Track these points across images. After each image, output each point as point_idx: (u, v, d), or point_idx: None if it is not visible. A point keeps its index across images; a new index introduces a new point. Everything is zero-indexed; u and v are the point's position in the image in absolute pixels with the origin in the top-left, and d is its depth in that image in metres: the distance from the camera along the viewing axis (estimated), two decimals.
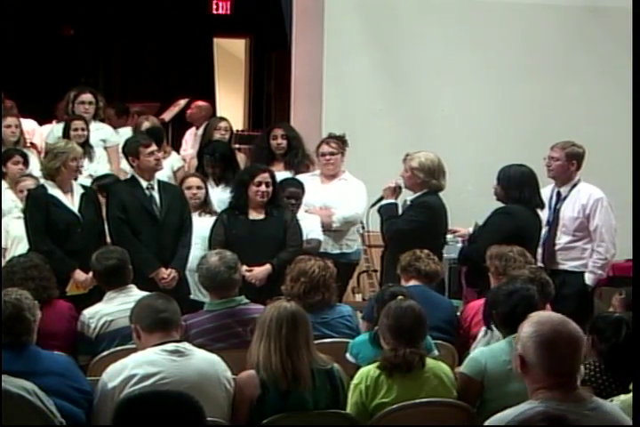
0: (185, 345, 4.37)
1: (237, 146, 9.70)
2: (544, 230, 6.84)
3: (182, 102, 11.50)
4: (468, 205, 7.74)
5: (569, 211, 6.96)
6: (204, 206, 7.12)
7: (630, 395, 3.90)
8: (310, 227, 6.95)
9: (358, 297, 7.64)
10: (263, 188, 6.63)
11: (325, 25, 8.77)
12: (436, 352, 5.09)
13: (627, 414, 3.60)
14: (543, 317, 3.27)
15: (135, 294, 5.49)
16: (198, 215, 6.97)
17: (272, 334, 4.36)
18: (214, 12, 14.91)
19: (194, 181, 7.18)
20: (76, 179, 6.78)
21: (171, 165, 8.13)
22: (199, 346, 4.53)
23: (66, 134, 7.91)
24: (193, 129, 9.86)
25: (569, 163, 6.97)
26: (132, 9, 14.27)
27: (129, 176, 6.88)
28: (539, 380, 3.18)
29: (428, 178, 6.67)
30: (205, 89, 14.59)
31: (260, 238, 6.54)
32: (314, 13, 8.82)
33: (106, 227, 6.60)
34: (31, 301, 4.38)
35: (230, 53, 15.81)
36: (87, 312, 5.52)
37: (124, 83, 14.56)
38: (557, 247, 6.98)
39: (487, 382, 4.55)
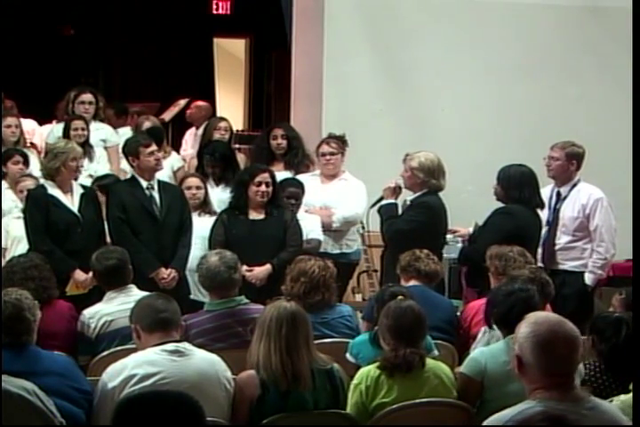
0: (185, 345, 4.37)
1: (237, 146, 9.71)
2: (544, 230, 6.84)
3: (182, 102, 11.50)
4: (468, 205, 7.74)
5: (569, 211, 6.96)
6: (204, 206, 7.12)
7: (630, 395, 3.90)
8: (310, 227, 6.95)
9: (358, 297, 7.64)
10: (263, 188, 6.63)
11: (325, 25, 8.77)
12: (435, 352, 5.09)
13: (627, 414, 3.61)
14: (540, 317, 3.27)
15: (135, 294, 5.48)
16: (198, 215, 6.97)
17: (272, 333, 4.36)
18: (214, 12, 14.91)
19: (193, 181, 7.18)
20: (76, 179, 6.79)
21: (171, 165, 8.13)
22: (199, 346, 4.53)
23: (66, 134, 7.92)
24: (193, 129, 9.86)
25: (569, 163, 6.97)
26: (131, 9, 14.27)
27: (129, 176, 6.88)
28: (536, 380, 3.18)
29: (428, 178, 6.67)
30: (205, 89, 14.59)
31: (260, 238, 6.54)
32: (314, 13, 8.82)
33: (106, 227, 6.61)
34: (31, 301, 4.38)
35: (230, 53, 15.82)
36: (87, 312, 5.52)
37: (124, 83, 14.56)
38: (557, 247, 6.98)
39: (487, 382, 4.55)
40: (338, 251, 7.29)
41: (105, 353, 5.19)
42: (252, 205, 6.66)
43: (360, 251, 7.53)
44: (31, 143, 8.57)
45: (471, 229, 7.00)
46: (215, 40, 15.33)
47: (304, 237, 6.75)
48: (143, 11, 14.34)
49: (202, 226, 6.74)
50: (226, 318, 5.36)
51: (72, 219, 6.45)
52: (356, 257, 7.49)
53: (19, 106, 9.37)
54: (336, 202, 7.36)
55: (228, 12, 14.94)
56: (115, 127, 8.86)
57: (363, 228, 7.49)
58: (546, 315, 3.36)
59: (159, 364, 4.24)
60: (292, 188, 7.09)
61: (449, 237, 7.10)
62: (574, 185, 7.01)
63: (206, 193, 7.17)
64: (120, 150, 7.25)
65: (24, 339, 4.26)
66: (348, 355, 5.09)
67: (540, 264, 6.56)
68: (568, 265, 6.96)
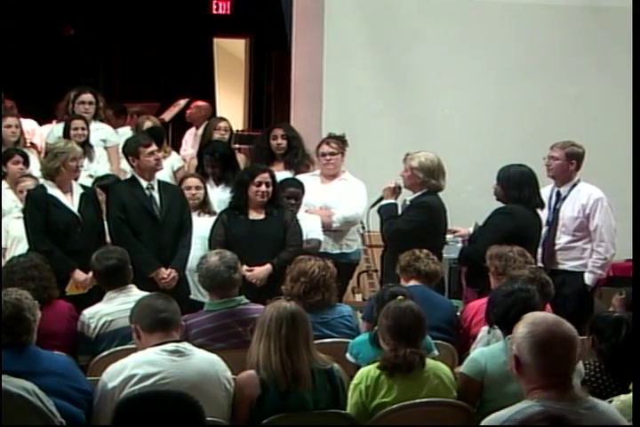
0: (185, 345, 4.37)
1: (237, 146, 9.71)
2: (544, 230, 6.84)
3: (182, 102, 11.50)
4: (468, 205, 7.74)
5: (569, 211, 6.97)
6: (204, 206, 7.12)
7: (630, 395, 3.90)
8: (310, 227, 6.95)
9: (358, 297, 7.64)
10: (263, 188, 6.63)
11: (325, 25, 8.77)
12: (435, 352, 5.09)
13: (627, 415, 3.61)
14: (538, 317, 3.28)
15: (135, 293, 5.48)
16: (197, 215, 6.97)
17: (272, 333, 4.36)
18: (214, 12, 14.92)
19: (193, 181, 7.19)
20: (76, 179, 6.78)
21: (171, 165, 8.13)
22: (199, 346, 4.53)
23: (66, 134, 7.92)
24: (193, 129, 9.87)
25: (568, 162, 6.97)
26: (131, 9, 14.28)
27: (129, 176, 6.88)
28: (534, 380, 3.18)
29: (428, 178, 6.67)
30: (205, 89, 14.59)
31: (260, 238, 6.54)
32: (314, 13, 8.82)
33: (106, 227, 6.61)
34: (31, 301, 4.37)
35: (230, 53, 15.82)
36: (87, 312, 5.52)
37: (124, 83, 14.56)
38: (557, 247, 6.98)
39: (487, 382, 4.55)
40: (338, 251, 7.29)
41: (105, 353, 5.19)
42: (252, 205, 6.66)
43: (360, 251, 7.53)
44: (31, 143, 8.57)
45: (471, 229, 7.00)
46: (215, 40, 15.33)
47: (304, 237, 6.75)
48: (143, 11, 14.34)
49: (201, 226, 6.75)
50: (226, 318, 5.36)
51: (72, 219, 6.45)
52: (356, 257, 7.49)
53: (19, 106, 9.37)
54: (336, 202, 7.36)
55: (228, 12, 14.94)
56: (114, 127, 8.86)
57: (363, 228, 7.49)
58: (543, 315, 3.36)
59: (159, 364, 4.24)
60: (291, 188, 7.09)
61: (449, 237, 7.10)
62: (574, 185, 7.01)
63: (206, 193, 7.18)
64: (120, 150, 7.25)
65: (24, 339, 4.26)
66: (347, 355, 5.09)
67: (539, 264, 6.56)
68: (568, 265, 6.96)
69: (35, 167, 7.54)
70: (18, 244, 6.73)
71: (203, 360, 4.35)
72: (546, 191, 6.96)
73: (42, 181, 6.72)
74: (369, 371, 4.51)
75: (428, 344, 4.97)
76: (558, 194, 7.02)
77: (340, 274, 5.92)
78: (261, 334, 4.40)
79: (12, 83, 10.72)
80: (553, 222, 6.98)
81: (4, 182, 7.35)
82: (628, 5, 7.56)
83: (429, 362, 4.58)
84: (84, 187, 6.70)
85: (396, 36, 8.80)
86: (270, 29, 12.37)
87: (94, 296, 5.91)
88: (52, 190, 6.48)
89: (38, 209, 6.43)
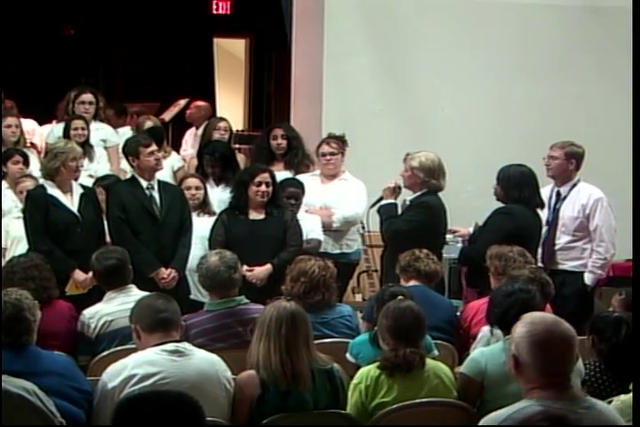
0: (185, 345, 4.37)
1: (237, 146, 9.71)
2: (544, 230, 6.84)
3: (182, 102, 11.50)
4: (468, 205, 7.74)
5: (569, 211, 6.97)
6: (203, 207, 7.12)
7: (630, 395, 3.90)
8: (310, 227, 6.95)
9: (358, 297, 7.64)
10: (263, 188, 6.63)
11: (325, 25, 8.77)
12: (435, 352, 5.09)
13: (627, 415, 3.61)
14: (536, 317, 3.28)
15: (135, 293, 5.48)
16: (197, 215, 6.97)
17: (272, 333, 4.36)
18: (214, 12, 14.91)
19: (193, 181, 7.19)
20: (76, 179, 6.78)
21: (171, 165, 8.13)
22: (199, 346, 4.53)
23: (66, 134, 7.92)
24: (193, 129, 9.87)
25: (568, 162, 6.98)
26: (132, 9, 14.28)
27: (129, 176, 6.88)
28: (533, 380, 3.19)
29: (428, 178, 6.67)
30: (205, 89, 14.59)
31: (260, 238, 6.54)
32: (314, 13, 8.81)
33: (106, 227, 6.60)
34: (31, 301, 4.37)
35: (230, 53, 15.82)
36: (87, 312, 5.52)
37: (124, 83, 14.57)
38: (557, 247, 6.98)
39: (487, 382, 4.55)
40: (338, 251, 7.29)
41: (105, 353, 5.19)
42: (252, 205, 6.66)
43: (360, 251, 7.53)
44: (31, 143, 8.57)
45: (471, 229, 7.00)
46: (215, 40, 15.33)
47: (304, 237, 6.75)
48: (143, 11, 14.35)
49: (201, 226, 6.75)
50: (226, 318, 5.36)
51: (72, 219, 6.45)
52: (356, 257, 7.49)
53: (19, 106, 9.37)
54: (336, 202, 7.36)
55: (228, 12, 14.94)
56: (115, 127, 8.86)
57: (363, 228, 7.49)
58: (542, 315, 3.37)
59: (159, 364, 4.24)
60: (291, 188, 7.09)
61: (449, 237, 7.10)
62: (574, 185, 7.01)
63: (206, 193, 7.18)
64: (120, 150, 7.25)
65: (24, 339, 4.26)
66: (347, 355, 5.09)
67: (539, 264, 6.56)
68: (568, 265, 6.96)
69: (35, 167, 7.54)
70: (18, 244, 6.73)
71: (203, 360, 4.35)
72: (546, 191, 6.96)
73: (42, 181, 6.72)
74: (369, 371, 4.51)
75: (428, 344, 4.97)
76: (558, 194, 7.03)
77: (340, 274, 5.92)
78: (261, 334, 4.40)
79: (12, 83, 10.71)
80: (553, 222, 6.98)
81: (3, 182, 7.35)
82: (627, 5, 7.56)
83: (429, 362, 4.58)
84: (83, 187, 6.70)
85: (396, 36, 8.80)
86: (270, 29, 12.37)
87: (94, 296, 5.91)
88: (52, 190, 6.48)
89: (38, 209, 6.43)
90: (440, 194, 6.74)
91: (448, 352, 5.40)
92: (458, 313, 5.98)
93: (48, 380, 4.09)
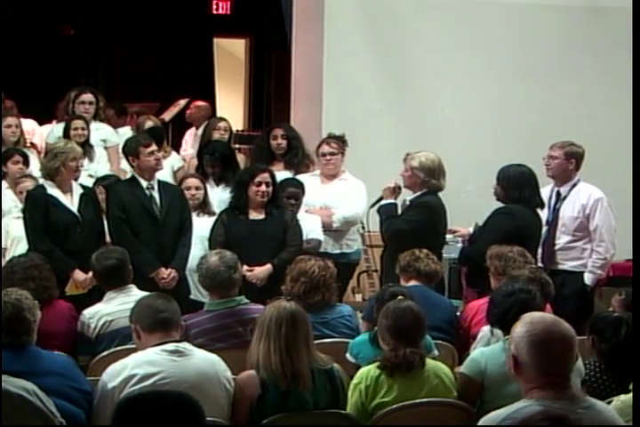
0: (185, 345, 4.37)
1: (237, 146, 9.71)
2: (544, 230, 6.84)
3: (182, 102, 11.50)
4: (468, 205, 7.74)
5: (569, 211, 6.97)
6: (203, 207, 7.12)
7: (630, 395, 3.89)
8: (310, 227, 6.95)
9: (358, 297, 7.64)
10: (263, 188, 6.63)
11: (325, 25, 8.77)
12: (435, 352, 5.09)
13: (627, 414, 3.61)
14: (535, 317, 3.28)
15: (135, 294, 5.48)
16: (197, 216, 6.97)
17: (271, 333, 4.36)
18: (214, 12, 14.92)
19: (192, 181, 7.19)
20: (76, 179, 6.79)
21: (171, 165, 8.14)
22: (199, 346, 4.53)
23: (66, 134, 7.92)
24: (193, 129, 9.87)
25: (567, 162, 6.98)
26: (132, 9, 14.28)
27: (129, 176, 6.88)
28: (532, 380, 3.19)
29: (428, 178, 6.67)
30: (205, 89, 14.59)
31: (260, 238, 6.54)
32: (314, 13, 8.81)
33: (106, 227, 6.60)
34: (31, 301, 4.37)
35: (230, 53, 15.82)
36: (87, 312, 5.52)
37: (124, 83, 14.57)
38: (557, 247, 6.98)
39: (487, 382, 4.55)
40: (338, 251, 7.29)
41: (105, 353, 5.19)
42: (252, 205, 6.66)
43: (360, 251, 7.53)
44: (31, 143, 8.57)
45: (471, 229, 7.00)
46: (215, 40, 15.33)
47: (304, 237, 6.75)
48: (143, 11, 14.35)
49: (201, 226, 6.74)
50: (226, 318, 5.36)
51: (71, 219, 6.45)
52: (356, 257, 7.49)
53: (19, 106, 9.36)
54: (336, 202, 7.36)
55: (228, 12, 14.94)
56: (115, 127, 8.86)
57: (363, 228, 7.49)
58: (541, 315, 3.37)
59: (159, 364, 4.24)
60: (291, 188, 7.09)
61: (449, 237, 7.10)
62: (574, 185, 7.01)
63: (205, 194, 7.17)
64: (120, 150, 7.25)
65: (24, 339, 4.26)
66: (347, 355, 5.09)
67: (539, 264, 6.56)
68: (568, 265, 6.96)
69: (35, 167, 7.54)
70: (18, 244, 6.73)
71: (203, 360, 4.35)
72: (546, 191, 6.96)
73: (42, 181, 6.73)
74: (369, 371, 4.52)
75: (428, 344, 4.97)
76: (558, 194, 7.03)
77: (340, 274, 5.92)
78: (261, 334, 4.40)
79: (12, 83, 10.71)
80: (553, 222, 6.98)
81: (3, 182, 7.36)
82: (628, 5, 7.56)
83: (429, 362, 4.58)
84: (83, 187, 6.70)
85: (396, 36, 8.80)
86: (270, 29, 12.37)
87: (94, 296, 5.91)
88: (52, 190, 6.49)
89: (38, 209, 6.43)
90: (440, 194, 6.74)
91: (448, 352, 5.40)
92: (458, 313, 5.98)
93: (48, 380, 4.09)
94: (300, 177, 7.42)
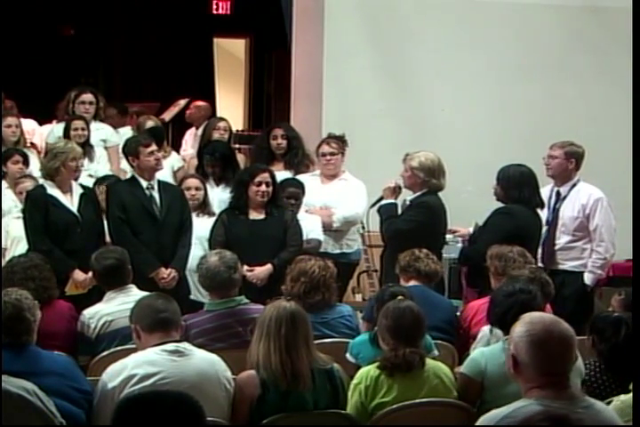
0: (185, 345, 4.37)
1: (237, 146, 9.71)
2: (543, 230, 6.84)
3: (182, 102, 11.50)
4: (468, 205, 7.74)
5: (569, 211, 6.97)
6: (203, 207, 7.12)
7: (630, 395, 3.89)
8: (310, 227, 6.95)
9: (358, 297, 7.64)
10: (263, 188, 6.63)
11: (325, 25, 8.77)
12: (435, 352, 5.09)
13: (627, 414, 3.61)
14: (535, 317, 3.29)
15: (135, 294, 5.48)
16: (196, 216, 6.97)
17: (271, 333, 4.36)
18: (214, 12, 14.92)
19: (192, 181, 7.18)
20: (76, 179, 6.79)
21: (171, 165, 8.14)
22: (199, 346, 4.53)
23: (66, 134, 7.92)
24: (193, 129, 9.87)
25: (567, 161, 6.98)
26: (131, 9, 14.28)
27: (129, 176, 6.88)
28: (531, 379, 3.19)
29: (428, 178, 6.67)
30: (205, 89, 14.60)
31: (260, 238, 6.54)
32: (314, 13, 8.82)
33: (106, 227, 6.60)
34: (31, 301, 4.37)
35: (230, 53, 15.82)
36: (87, 312, 5.52)
37: (124, 83, 14.57)
38: (557, 247, 6.98)
39: (487, 382, 4.55)
40: (338, 251, 7.30)
41: (105, 353, 5.19)
42: (252, 205, 6.66)
43: (360, 251, 7.53)
44: (31, 143, 8.57)
45: (471, 229, 7.00)
46: (215, 40, 15.33)
47: (304, 237, 6.75)
48: (143, 11, 14.35)
49: (201, 226, 6.75)
50: (226, 318, 5.36)
51: (71, 219, 6.45)
52: (356, 257, 7.49)
53: (19, 106, 9.36)
54: (336, 202, 7.36)
55: (228, 12, 14.94)
56: (117, 127, 8.86)
57: (363, 228, 7.49)
58: (540, 315, 3.37)
59: (159, 364, 4.24)
60: (291, 188, 7.09)
61: (449, 237, 7.10)
62: (574, 185, 7.01)
63: (205, 194, 7.17)
64: (120, 150, 7.25)
65: (24, 339, 4.26)
66: (348, 355, 5.09)
67: (539, 264, 6.56)
68: (568, 265, 6.96)
69: (35, 167, 7.54)
70: (18, 244, 6.73)
71: (203, 360, 4.35)
72: (546, 191, 6.96)
73: (41, 181, 6.73)
74: (369, 371, 4.52)
75: (427, 344, 4.97)
76: (558, 194, 7.03)
77: (340, 274, 5.92)
78: (261, 334, 4.40)
79: (12, 83, 10.71)
80: (553, 222, 6.98)
81: (3, 182, 7.35)
82: (628, 5, 7.56)
83: (429, 362, 4.58)
84: (83, 187, 6.70)
85: (397, 36, 8.81)
86: (270, 29, 12.38)
87: (94, 296, 5.91)
88: (52, 190, 6.49)
89: (38, 209, 6.43)
90: (440, 194, 6.75)
91: (448, 352, 5.40)
92: (458, 313, 5.98)
93: (48, 380, 4.09)
94: (300, 177, 7.42)
